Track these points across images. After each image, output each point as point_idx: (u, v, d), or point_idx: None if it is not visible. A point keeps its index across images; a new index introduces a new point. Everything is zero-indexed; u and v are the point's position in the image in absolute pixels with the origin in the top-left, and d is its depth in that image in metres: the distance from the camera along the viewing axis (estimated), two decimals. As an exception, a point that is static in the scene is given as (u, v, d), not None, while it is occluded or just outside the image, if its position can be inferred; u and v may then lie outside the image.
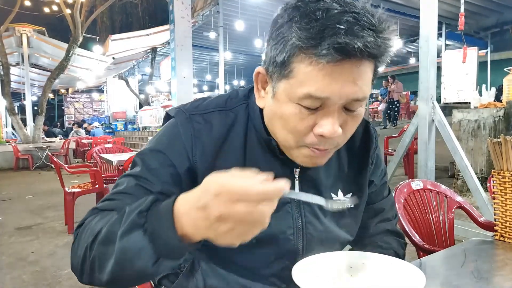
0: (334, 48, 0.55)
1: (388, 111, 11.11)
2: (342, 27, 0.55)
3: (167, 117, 0.79)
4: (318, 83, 0.59)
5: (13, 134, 11.17)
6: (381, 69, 0.66)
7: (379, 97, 12.49)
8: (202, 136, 0.73)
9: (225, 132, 0.74)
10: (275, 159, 0.75)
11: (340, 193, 0.81)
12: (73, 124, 15.69)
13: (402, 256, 0.88)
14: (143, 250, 0.53)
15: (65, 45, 10.27)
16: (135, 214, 0.54)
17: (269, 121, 0.72)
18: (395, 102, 10.85)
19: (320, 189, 0.79)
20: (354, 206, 0.82)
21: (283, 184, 0.47)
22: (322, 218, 0.78)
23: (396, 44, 0.62)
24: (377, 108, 16.80)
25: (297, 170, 0.77)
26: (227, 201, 0.45)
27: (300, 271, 0.64)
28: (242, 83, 20.11)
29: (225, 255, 0.72)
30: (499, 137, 1.00)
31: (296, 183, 0.77)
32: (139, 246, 0.53)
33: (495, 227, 1.04)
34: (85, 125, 16.10)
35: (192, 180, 0.72)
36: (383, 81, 11.50)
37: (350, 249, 0.85)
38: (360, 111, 0.66)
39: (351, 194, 0.82)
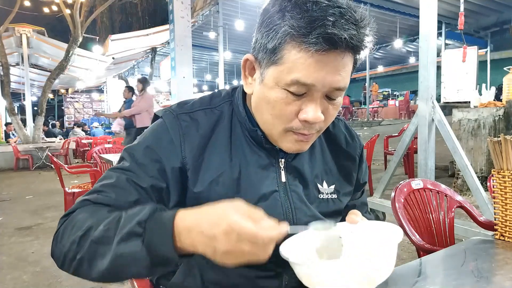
0: (323, 37, 0.60)
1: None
2: (330, 19, 0.59)
3: (155, 117, 0.82)
4: (306, 70, 0.63)
5: (13, 134, 11.15)
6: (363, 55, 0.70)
7: (122, 107, 6.56)
8: (190, 133, 0.76)
9: (211, 128, 0.78)
10: (261, 150, 0.79)
11: (325, 184, 0.85)
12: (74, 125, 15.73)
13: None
14: (140, 259, 0.56)
15: (65, 45, 10.24)
16: (134, 223, 0.57)
17: (256, 107, 0.75)
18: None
19: (305, 179, 0.82)
20: (337, 197, 0.86)
21: (287, 228, 0.53)
22: (309, 205, 0.81)
23: (373, 40, 0.66)
24: (377, 108, 16.73)
25: (282, 160, 0.80)
26: (236, 241, 0.50)
27: (290, 248, 0.64)
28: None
29: None
30: (499, 136, 1.01)
31: (282, 172, 0.80)
32: (137, 255, 0.56)
33: (495, 226, 1.04)
34: (86, 127, 16.07)
35: (182, 175, 0.75)
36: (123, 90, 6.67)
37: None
38: (339, 100, 0.71)
39: (334, 186, 0.86)
